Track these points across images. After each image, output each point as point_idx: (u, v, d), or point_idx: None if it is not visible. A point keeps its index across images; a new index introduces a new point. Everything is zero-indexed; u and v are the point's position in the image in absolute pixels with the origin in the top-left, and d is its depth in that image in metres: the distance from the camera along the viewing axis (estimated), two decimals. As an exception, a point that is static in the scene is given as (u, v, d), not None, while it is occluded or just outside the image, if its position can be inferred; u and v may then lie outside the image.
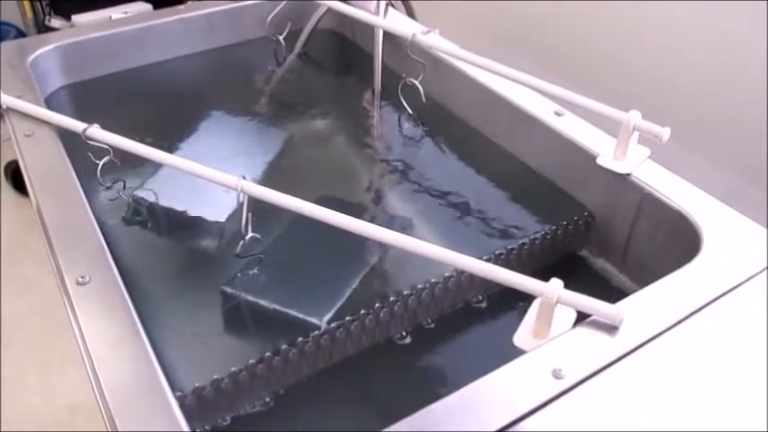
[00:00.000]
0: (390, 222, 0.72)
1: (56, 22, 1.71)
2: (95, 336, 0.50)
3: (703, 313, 0.52)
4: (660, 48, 1.03)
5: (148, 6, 1.58)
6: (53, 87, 0.94)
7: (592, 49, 1.14)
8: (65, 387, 1.34)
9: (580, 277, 0.69)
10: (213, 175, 0.64)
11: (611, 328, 0.50)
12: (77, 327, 0.51)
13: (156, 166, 0.76)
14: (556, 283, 0.51)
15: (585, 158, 0.70)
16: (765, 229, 0.60)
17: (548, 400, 0.45)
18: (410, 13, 1.34)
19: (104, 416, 0.45)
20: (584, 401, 0.45)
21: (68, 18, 1.64)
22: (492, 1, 1.32)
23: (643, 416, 0.45)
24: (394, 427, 0.43)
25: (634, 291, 0.54)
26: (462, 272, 0.62)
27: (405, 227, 0.71)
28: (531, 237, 0.67)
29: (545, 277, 0.52)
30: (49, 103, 0.87)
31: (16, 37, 1.98)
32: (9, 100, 0.77)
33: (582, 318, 0.51)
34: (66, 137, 0.73)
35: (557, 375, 0.46)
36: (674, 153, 0.70)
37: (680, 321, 0.51)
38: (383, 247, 0.64)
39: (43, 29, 1.78)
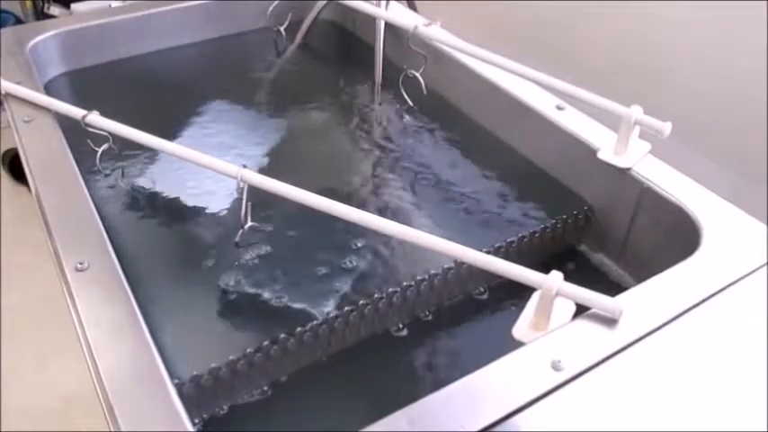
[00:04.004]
0: (390, 213, 0.72)
1: (54, 9, 1.70)
2: (94, 322, 0.49)
3: (702, 308, 0.52)
4: (662, 43, 1.03)
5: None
6: (52, 74, 0.93)
7: (594, 44, 1.14)
8: (61, 378, 1.34)
9: (579, 271, 0.69)
10: (213, 164, 0.64)
11: (610, 321, 0.50)
12: (76, 313, 0.50)
13: (156, 154, 0.76)
14: (555, 276, 0.51)
15: (586, 152, 0.70)
16: (765, 225, 0.60)
17: (546, 391, 0.45)
18: (411, 6, 1.34)
19: (102, 403, 0.44)
20: (582, 393, 0.45)
21: (67, 6, 1.63)
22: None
23: (641, 409, 0.45)
24: (392, 416, 0.43)
25: (632, 286, 0.54)
26: (462, 263, 0.62)
27: (404, 218, 0.71)
28: (531, 230, 0.67)
29: (544, 271, 0.52)
30: (48, 90, 0.86)
31: (14, 24, 1.97)
32: (8, 86, 0.76)
33: (581, 311, 0.51)
34: (66, 123, 0.73)
35: (556, 367, 0.46)
36: (675, 148, 0.70)
37: (679, 315, 0.51)
38: (383, 237, 0.64)
39: (42, 16, 1.77)
